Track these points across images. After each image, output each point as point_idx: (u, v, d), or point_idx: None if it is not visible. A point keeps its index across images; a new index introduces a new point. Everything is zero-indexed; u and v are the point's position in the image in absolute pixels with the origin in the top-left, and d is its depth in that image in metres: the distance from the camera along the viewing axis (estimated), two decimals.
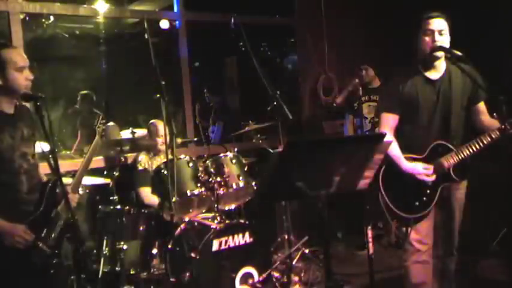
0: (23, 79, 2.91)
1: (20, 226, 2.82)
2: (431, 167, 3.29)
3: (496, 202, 5.16)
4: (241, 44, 4.49)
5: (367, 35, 6.67)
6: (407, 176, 3.31)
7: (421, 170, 3.29)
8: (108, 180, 4.56)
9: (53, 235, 2.98)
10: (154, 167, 4.71)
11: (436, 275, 3.52)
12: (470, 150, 3.24)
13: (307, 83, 6.56)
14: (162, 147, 4.69)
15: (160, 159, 4.78)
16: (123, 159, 4.81)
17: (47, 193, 3.02)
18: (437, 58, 3.27)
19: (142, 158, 4.79)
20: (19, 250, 2.82)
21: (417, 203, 3.34)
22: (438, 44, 3.20)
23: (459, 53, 3.12)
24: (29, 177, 2.97)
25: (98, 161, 5.02)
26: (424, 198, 3.33)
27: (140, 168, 4.74)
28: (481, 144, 3.21)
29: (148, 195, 4.59)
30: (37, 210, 2.95)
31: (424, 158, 3.33)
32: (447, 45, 3.24)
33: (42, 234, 2.94)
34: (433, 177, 3.29)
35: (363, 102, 5.26)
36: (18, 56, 2.94)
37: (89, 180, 4.44)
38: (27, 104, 3.10)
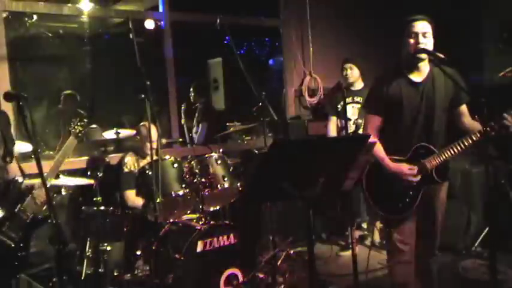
0: None
1: None
2: (415, 168, 3.32)
3: (477, 202, 5.22)
4: (227, 44, 4.49)
5: (352, 37, 6.71)
6: (390, 177, 3.34)
7: (406, 170, 3.31)
8: (91, 181, 4.52)
9: (17, 230, 3.01)
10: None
11: (418, 275, 3.55)
12: (452, 152, 3.27)
13: (292, 84, 6.57)
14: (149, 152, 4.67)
15: (146, 161, 4.75)
16: (107, 160, 4.78)
17: (11, 190, 3.06)
18: (421, 60, 3.29)
19: (129, 160, 4.76)
20: None
21: (400, 204, 3.37)
22: (422, 46, 3.22)
23: (442, 56, 3.14)
24: None
25: (82, 162, 4.99)
26: (407, 200, 3.35)
27: (126, 170, 4.70)
28: (462, 146, 3.24)
29: (132, 198, 4.56)
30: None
31: (406, 159, 3.35)
32: (431, 47, 3.26)
33: (4, 228, 2.95)
34: (418, 178, 3.32)
35: (346, 104, 5.28)
36: None
37: (72, 181, 4.40)
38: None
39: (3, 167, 3.15)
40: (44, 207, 3.34)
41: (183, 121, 7.04)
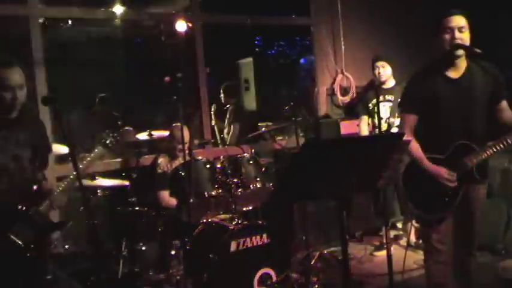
0: (8, 99, 2.94)
1: None
2: (455, 174, 3.24)
3: None
4: (258, 44, 4.50)
5: (384, 33, 6.63)
6: (430, 176, 3.27)
7: (445, 175, 3.24)
8: (126, 182, 4.59)
9: (28, 230, 3.02)
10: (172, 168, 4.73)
11: (455, 275, 3.48)
12: (495, 149, 3.19)
13: (324, 83, 6.54)
14: (181, 153, 4.69)
15: (179, 162, 4.80)
16: (140, 161, 4.84)
17: (27, 192, 3.09)
18: (458, 56, 3.20)
19: (162, 161, 4.80)
20: None
21: (439, 203, 3.30)
22: (458, 41, 3.14)
23: (480, 51, 3.07)
24: (13, 178, 3.02)
25: (116, 163, 5.06)
26: (446, 199, 3.29)
27: (159, 171, 4.75)
28: (506, 144, 3.16)
29: (166, 198, 4.61)
30: (14, 207, 3.01)
31: (446, 158, 3.28)
32: (467, 42, 3.18)
33: (16, 228, 2.99)
34: (455, 184, 3.25)
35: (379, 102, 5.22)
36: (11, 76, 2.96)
37: (107, 182, 4.48)
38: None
39: (29, 169, 3.17)
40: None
41: (213, 122, 7.08)
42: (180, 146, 4.67)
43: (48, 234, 3.23)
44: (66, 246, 4.49)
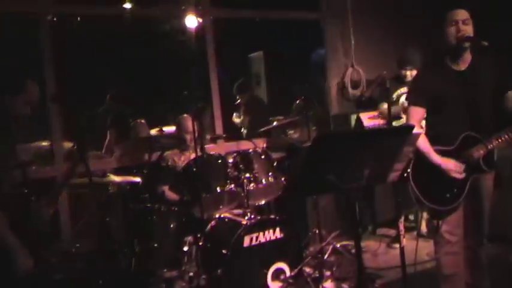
0: (22, 109, 2.95)
1: None
2: (462, 166, 3.27)
3: None
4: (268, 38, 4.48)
5: (393, 27, 6.57)
6: (437, 168, 3.29)
7: (453, 167, 3.28)
8: (138, 179, 4.59)
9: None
10: (182, 162, 4.73)
11: (467, 266, 3.50)
12: (500, 140, 3.21)
13: (334, 77, 6.50)
14: (192, 144, 4.70)
15: (189, 154, 4.80)
16: (152, 157, 4.84)
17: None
18: (464, 49, 3.26)
19: (168, 154, 4.79)
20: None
21: (448, 195, 3.32)
22: (464, 33, 3.20)
23: (485, 43, 3.11)
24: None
25: (128, 160, 5.06)
26: (455, 190, 3.31)
27: (163, 164, 4.74)
28: (509, 135, 3.17)
29: (166, 192, 4.59)
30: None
31: (453, 149, 3.30)
32: (471, 34, 3.23)
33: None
34: (463, 175, 3.27)
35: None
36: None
37: (119, 179, 4.48)
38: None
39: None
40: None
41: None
42: (189, 136, 4.68)
43: (40, 249, 3.13)
44: (77, 245, 4.49)
